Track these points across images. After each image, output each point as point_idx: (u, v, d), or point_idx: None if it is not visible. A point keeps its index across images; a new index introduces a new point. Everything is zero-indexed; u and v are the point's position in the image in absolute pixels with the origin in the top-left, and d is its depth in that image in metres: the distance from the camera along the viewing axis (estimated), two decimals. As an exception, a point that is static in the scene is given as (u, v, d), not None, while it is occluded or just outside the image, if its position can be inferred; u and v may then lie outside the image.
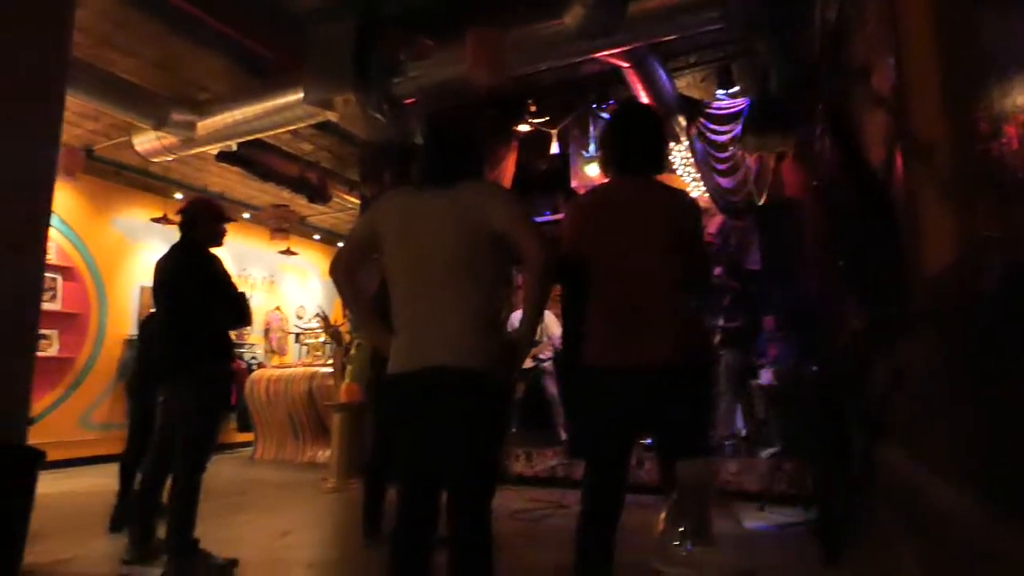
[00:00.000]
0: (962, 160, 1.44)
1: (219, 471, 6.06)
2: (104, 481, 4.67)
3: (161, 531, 3.00)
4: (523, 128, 6.25)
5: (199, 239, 3.23)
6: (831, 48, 3.66)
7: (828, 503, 3.12)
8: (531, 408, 6.18)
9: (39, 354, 3.40)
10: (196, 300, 3.07)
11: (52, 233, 3.41)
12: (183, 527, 2.87)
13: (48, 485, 3.00)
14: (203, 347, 3.07)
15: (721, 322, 5.44)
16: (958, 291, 1.47)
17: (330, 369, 6.21)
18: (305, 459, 6.58)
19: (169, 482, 3.01)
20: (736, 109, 5.55)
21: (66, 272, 6.83)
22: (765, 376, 5.45)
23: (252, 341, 8.95)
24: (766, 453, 4.88)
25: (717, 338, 5.34)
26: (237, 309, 3.25)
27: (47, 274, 4.24)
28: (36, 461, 2.89)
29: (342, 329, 6.08)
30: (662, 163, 2.12)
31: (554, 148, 6.41)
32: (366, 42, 4.90)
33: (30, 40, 3.26)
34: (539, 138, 6.36)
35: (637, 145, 2.05)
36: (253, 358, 8.63)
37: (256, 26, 4.96)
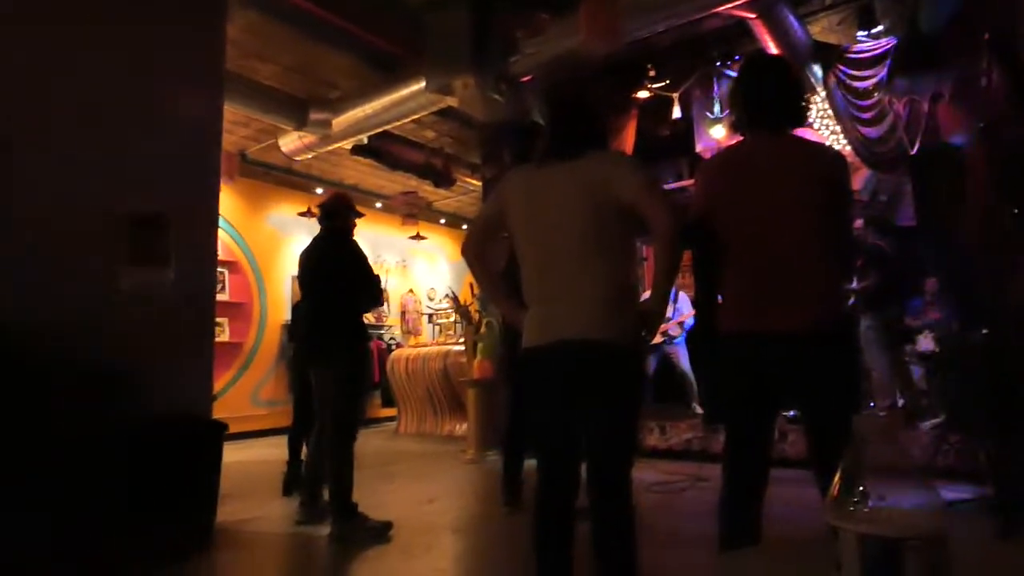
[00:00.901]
0: None
1: (368, 443, 6.58)
2: (273, 451, 5.25)
3: (326, 496, 3.33)
4: (642, 95, 6.07)
5: (338, 229, 3.45)
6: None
7: (1004, 475, 2.82)
8: (663, 382, 6.10)
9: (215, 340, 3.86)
10: (339, 286, 3.29)
11: (219, 231, 3.85)
12: (342, 492, 3.16)
13: (227, 455, 3.42)
14: (345, 330, 3.30)
15: (855, 284, 5.00)
16: None
17: (462, 347, 6.48)
18: (444, 432, 6.96)
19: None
20: (880, 51, 5.01)
21: (231, 266, 7.66)
22: (924, 342, 4.97)
23: (390, 323, 9.56)
24: (928, 425, 4.49)
25: (850, 301, 4.91)
26: (375, 291, 3.45)
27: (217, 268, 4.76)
28: (222, 432, 3.33)
29: (471, 308, 6.31)
30: (800, 116, 1.96)
31: (676, 113, 6.17)
32: (482, 24, 4.99)
33: (194, 57, 3.68)
34: (659, 104, 6.15)
35: (769, 98, 1.91)
36: (392, 339, 9.22)
37: (378, 22, 5.23)
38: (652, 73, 5.87)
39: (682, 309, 6.01)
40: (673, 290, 6.04)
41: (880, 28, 5.11)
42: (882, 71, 4.98)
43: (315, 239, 3.50)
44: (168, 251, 3.31)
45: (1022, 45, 2.81)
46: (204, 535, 3.09)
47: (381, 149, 6.90)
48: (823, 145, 1.98)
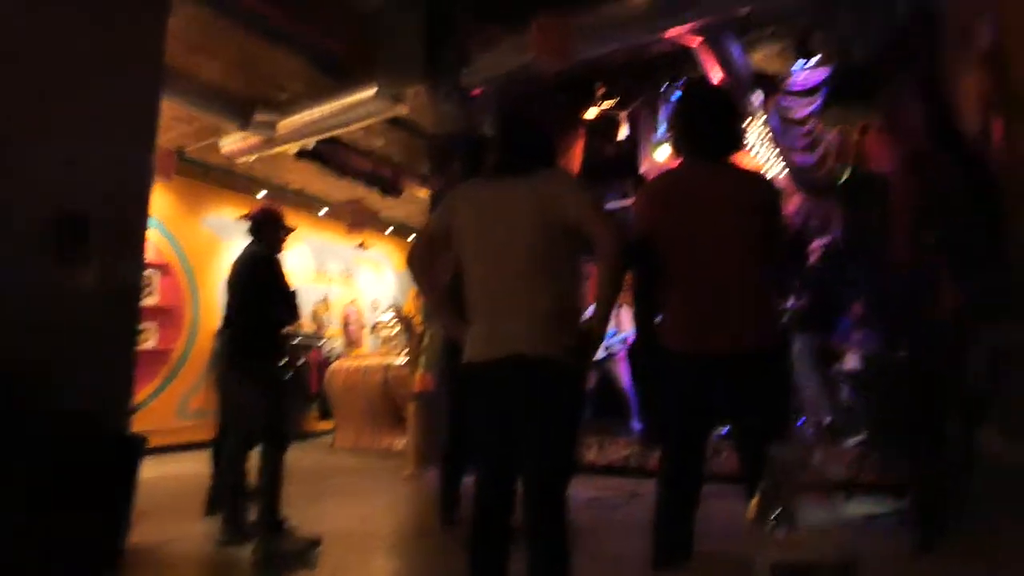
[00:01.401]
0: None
1: (302, 457, 6.35)
2: (200, 466, 4.98)
3: (252, 514, 3.18)
4: (591, 113, 6.16)
5: (264, 243, 3.47)
6: (920, 11, 3.40)
7: (922, 490, 2.95)
8: (603, 398, 6.15)
9: (140, 347, 3.69)
10: (255, 300, 3.34)
11: (149, 232, 3.68)
12: (270, 508, 3.05)
13: (150, 470, 3.24)
14: (264, 342, 3.34)
15: (790, 303, 5.20)
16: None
17: (404, 359, 6.37)
18: (382, 447, 6.80)
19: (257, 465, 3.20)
20: (816, 81, 5.26)
21: (162, 268, 7.31)
22: (851, 361, 5.18)
23: (331, 334, 9.29)
24: (852, 441, 4.67)
25: (785, 319, 5.10)
26: (291, 306, 3.48)
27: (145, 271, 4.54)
28: (139, 446, 3.13)
29: (415, 320, 6.22)
30: (736, 144, 2.04)
31: (623, 132, 6.30)
32: (436, 33, 4.97)
33: (130, 48, 3.51)
34: (607, 122, 6.26)
35: (708, 127, 1.98)
36: (332, 350, 8.97)
37: (330, 25, 5.14)
38: (601, 92, 5.97)
39: (624, 325, 6.09)
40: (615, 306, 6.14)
41: (816, 59, 5.36)
42: (817, 100, 5.21)
43: (245, 249, 3.52)
44: (88, 251, 3.12)
45: (942, 82, 2.98)
46: (113, 559, 2.89)
47: (328, 155, 6.76)
48: (758, 174, 2.08)
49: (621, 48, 4.89)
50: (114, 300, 3.27)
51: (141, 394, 6.56)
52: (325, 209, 8.75)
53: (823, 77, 5.16)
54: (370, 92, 5.35)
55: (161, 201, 7.10)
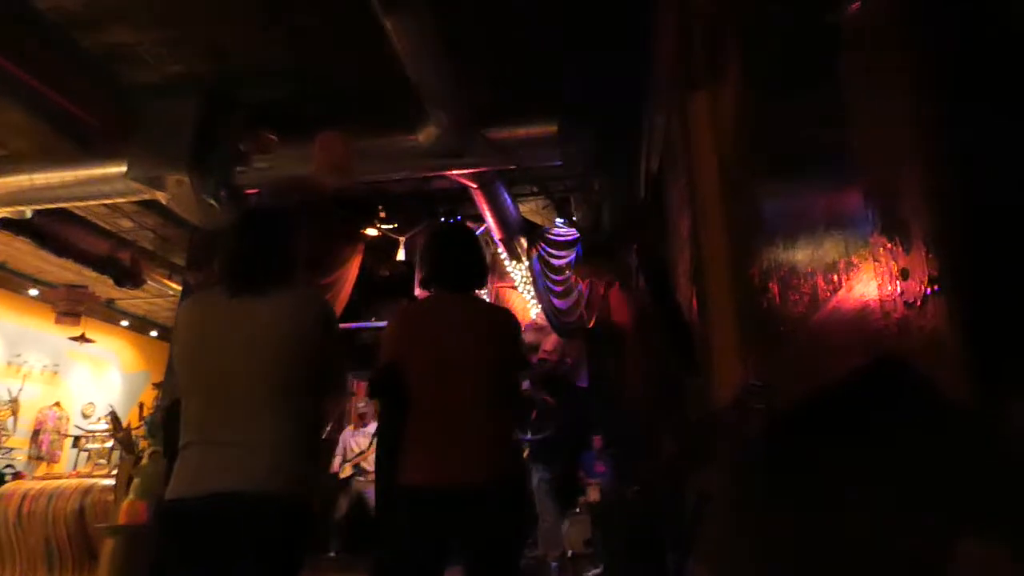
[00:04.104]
0: (739, 310, 1.62)
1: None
2: None
3: None
4: (371, 232, 6.22)
5: None
6: (651, 194, 4.12)
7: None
8: (353, 526, 5.70)
9: None
10: None
11: None
12: None
13: None
14: None
15: (528, 436, 5.51)
16: (733, 429, 1.60)
17: (113, 482, 5.27)
18: (58, 599, 5.36)
19: None
20: (572, 237, 5.98)
21: None
22: (592, 494, 5.53)
23: (12, 444, 7.36)
24: (590, 574, 4.85)
25: (526, 452, 5.37)
26: None
27: None
28: None
29: (136, 433, 5.28)
30: (479, 279, 2.16)
31: (400, 255, 6.44)
32: (208, 124, 4.68)
33: None
34: (386, 244, 6.36)
35: (455, 262, 2.09)
36: (8, 466, 7.04)
37: (78, 88, 4.54)
38: (383, 214, 6.08)
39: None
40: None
41: (574, 218, 6.15)
42: (572, 254, 5.91)
43: None
44: None
45: (664, 257, 3.54)
46: None
47: (47, 229, 5.72)
48: (502, 309, 2.22)
49: (405, 178, 5.10)
50: None
51: None
52: (35, 290, 7.32)
53: (578, 234, 5.91)
54: (119, 169, 4.77)
55: None
